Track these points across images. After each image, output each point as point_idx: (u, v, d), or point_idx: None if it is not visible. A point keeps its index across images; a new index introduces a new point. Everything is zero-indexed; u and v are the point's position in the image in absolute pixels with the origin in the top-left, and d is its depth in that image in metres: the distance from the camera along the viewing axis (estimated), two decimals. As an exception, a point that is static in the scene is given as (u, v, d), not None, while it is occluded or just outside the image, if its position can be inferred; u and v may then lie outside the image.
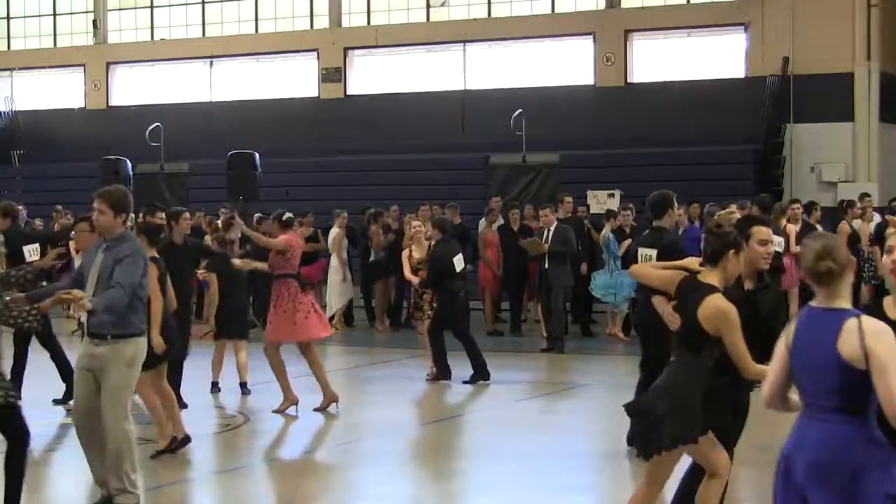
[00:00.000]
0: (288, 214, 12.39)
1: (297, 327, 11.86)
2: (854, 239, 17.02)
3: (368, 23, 28.03)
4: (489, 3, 26.99)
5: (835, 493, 4.66)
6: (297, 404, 11.88)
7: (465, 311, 14.25)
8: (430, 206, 19.30)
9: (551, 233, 16.64)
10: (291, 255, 11.97)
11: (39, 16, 31.67)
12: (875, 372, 4.61)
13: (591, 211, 21.84)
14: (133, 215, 15.33)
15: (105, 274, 7.49)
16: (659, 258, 9.36)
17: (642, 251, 9.62)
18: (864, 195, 18.98)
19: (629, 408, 6.48)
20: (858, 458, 4.67)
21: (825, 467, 4.68)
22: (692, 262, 6.62)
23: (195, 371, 14.21)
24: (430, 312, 13.83)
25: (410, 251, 14.10)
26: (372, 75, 27.89)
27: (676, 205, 9.90)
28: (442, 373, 13.78)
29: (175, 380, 11.18)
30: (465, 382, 13.64)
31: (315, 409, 11.87)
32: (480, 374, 13.73)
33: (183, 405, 11.30)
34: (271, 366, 11.95)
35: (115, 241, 7.62)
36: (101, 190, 7.89)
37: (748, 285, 6.57)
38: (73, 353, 9.27)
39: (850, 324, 4.66)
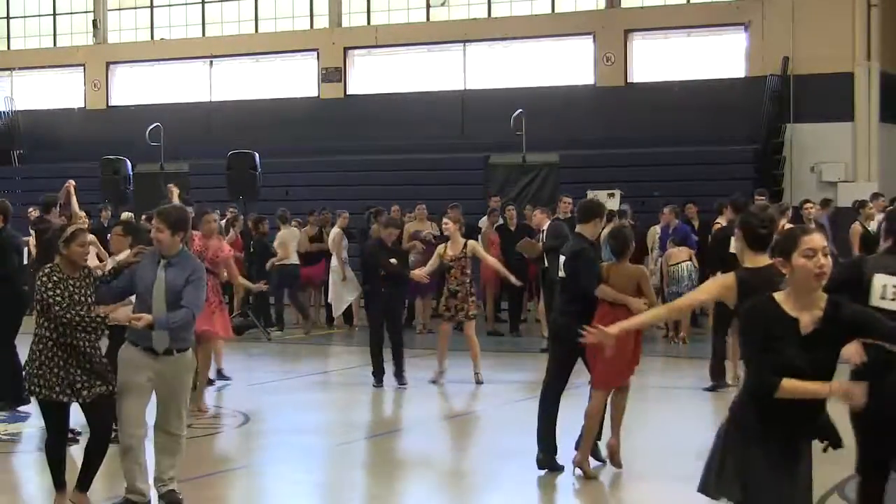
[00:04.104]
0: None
1: (227, 321, 12.08)
2: (868, 240, 16.79)
3: (368, 23, 28.04)
4: (489, 3, 27.00)
5: None
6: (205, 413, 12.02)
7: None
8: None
9: (545, 233, 16.65)
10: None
11: (39, 16, 31.69)
12: None
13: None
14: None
15: (174, 292, 7.60)
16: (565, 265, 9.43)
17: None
18: (876, 195, 18.88)
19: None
20: None
21: None
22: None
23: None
24: (473, 312, 13.79)
25: (446, 248, 13.89)
26: (372, 75, 27.90)
27: (605, 217, 9.88)
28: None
29: None
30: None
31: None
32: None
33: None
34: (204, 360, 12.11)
35: (175, 259, 7.71)
36: (158, 209, 7.95)
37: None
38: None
39: None
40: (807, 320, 4.95)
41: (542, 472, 9.33)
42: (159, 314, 7.55)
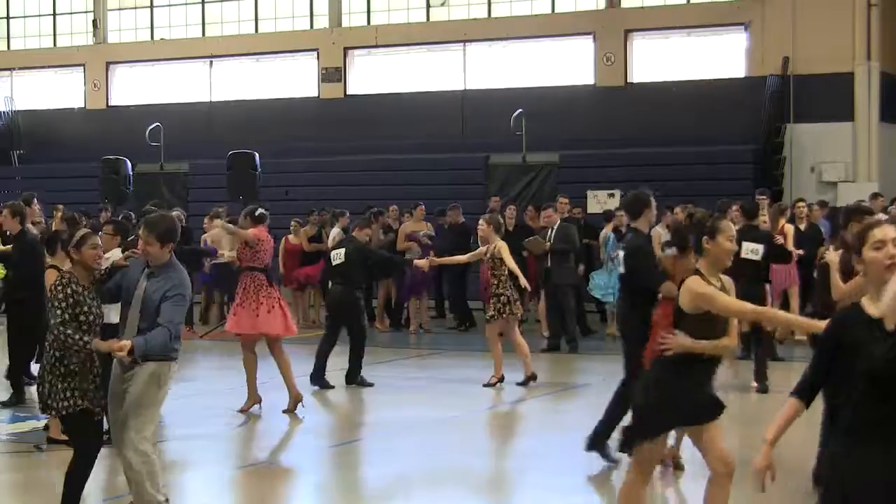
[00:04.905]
0: (260, 210, 12.45)
1: (258, 321, 11.93)
2: None
3: (368, 23, 28.03)
4: (489, 3, 26.99)
5: None
6: (260, 403, 12.04)
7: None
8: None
9: (553, 232, 16.67)
10: (260, 248, 12.07)
11: (39, 16, 31.67)
12: None
13: (590, 211, 21.88)
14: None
15: (149, 304, 7.27)
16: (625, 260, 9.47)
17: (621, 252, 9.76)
18: (876, 195, 18.84)
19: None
20: None
21: None
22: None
23: (195, 371, 14.26)
24: (489, 314, 13.75)
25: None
26: (372, 75, 27.89)
27: (654, 203, 9.66)
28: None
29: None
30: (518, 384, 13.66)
31: (284, 411, 11.93)
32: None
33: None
34: (243, 362, 12.04)
35: (160, 269, 7.38)
36: (146, 220, 7.61)
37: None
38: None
39: None
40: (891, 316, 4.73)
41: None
42: (132, 327, 7.31)
